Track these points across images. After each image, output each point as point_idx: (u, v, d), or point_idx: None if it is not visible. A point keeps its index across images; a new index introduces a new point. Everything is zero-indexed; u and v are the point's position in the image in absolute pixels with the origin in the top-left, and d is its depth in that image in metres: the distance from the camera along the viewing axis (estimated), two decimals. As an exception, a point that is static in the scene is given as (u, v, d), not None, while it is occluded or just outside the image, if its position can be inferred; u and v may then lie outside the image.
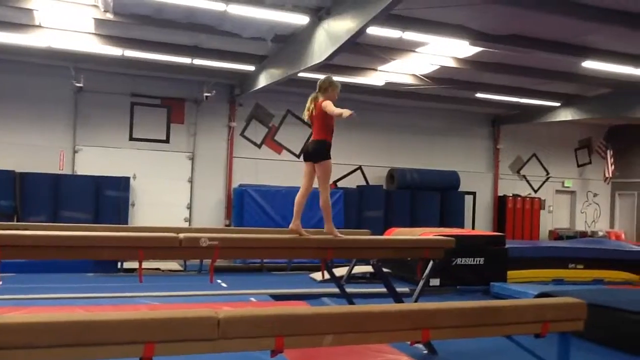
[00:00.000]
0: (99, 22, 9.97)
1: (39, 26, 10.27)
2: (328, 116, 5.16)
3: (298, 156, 14.86)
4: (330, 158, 5.27)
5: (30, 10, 9.40)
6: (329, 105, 5.11)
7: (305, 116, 5.44)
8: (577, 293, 6.59)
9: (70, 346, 3.03)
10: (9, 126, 12.62)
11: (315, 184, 5.41)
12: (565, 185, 18.67)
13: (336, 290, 7.12)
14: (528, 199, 17.56)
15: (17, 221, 11.69)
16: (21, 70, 12.56)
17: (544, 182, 18.34)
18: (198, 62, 11.80)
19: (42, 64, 12.44)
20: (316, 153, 5.25)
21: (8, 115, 12.62)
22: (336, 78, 13.39)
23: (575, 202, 18.93)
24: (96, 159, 13.17)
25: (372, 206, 14.72)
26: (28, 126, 12.77)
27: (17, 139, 12.63)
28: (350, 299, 6.69)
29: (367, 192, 14.95)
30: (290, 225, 5.26)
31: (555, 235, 17.91)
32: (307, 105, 5.37)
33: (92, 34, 10.61)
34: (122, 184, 12.84)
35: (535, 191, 18.19)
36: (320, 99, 5.25)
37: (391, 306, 4.34)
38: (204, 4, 8.55)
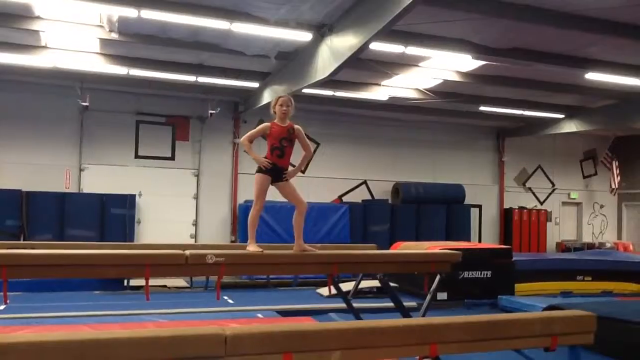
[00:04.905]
0: (104, 42, 10.08)
1: (45, 47, 10.39)
2: (266, 135, 5.09)
3: (303, 172, 14.87)
4: (256, 173, 5.04)
5: (36, 32, 9.52)
6: (251, 130, 5.14)
7: None
8: (586, 305, 6.54)
9: (78, 365, 3.01)
10: (15, 146, 12.71)
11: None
12: (572, 196, 18.61)
13: (343, 305, 7.08)
14: (534, 211, 17.49)
15: (23, 240, 11.72)
16: (27, 90, 12.68)
17: (549, 194, 18.29)
18: (202, 79, 11.89)
19: (48, 83, 12.56)
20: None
21: (14, 134, 12.71)
22: (340, 93, 13.56)
23: (582, 213, 18.85)
24: (102, 177, 13.23)
25: (377, 220, 14.69)
26: (34, 145, 12.86)
27: (23, 158, 12.72)
28: (357, 314, 6.64)
29: (373, 207, 14.93)
30: (294, 248, 5.20)
31: (562, 247, 17.82)
32: None
33: (98, 53, 10.74)
34: (128, 202, 12.87)
35: (541, 203, 18.12)
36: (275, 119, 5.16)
37: (398, 321, 4.31)
38: (208, 22, 8.64)
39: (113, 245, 5.72)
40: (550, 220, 17.86)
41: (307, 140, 5.30)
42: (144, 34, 9.51)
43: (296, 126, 5.14)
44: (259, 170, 5.03)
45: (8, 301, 4.42)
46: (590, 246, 17.71)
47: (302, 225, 5.21)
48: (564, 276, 11.20)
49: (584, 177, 18.80)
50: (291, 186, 5.17)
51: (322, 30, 9.01)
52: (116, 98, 13.36)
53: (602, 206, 18.99)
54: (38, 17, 8.93)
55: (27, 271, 4.41)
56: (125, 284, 11.08)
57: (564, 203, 18.58)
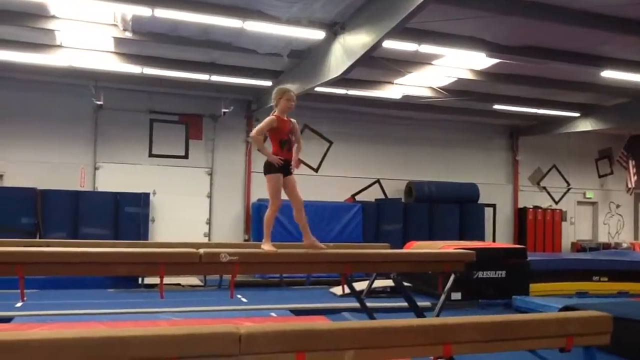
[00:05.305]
0: (118, 41, 10.14)
1: (60, 46, 10.48)
2: (271, 130, 4.93)
3: (316, 170, 14.90)
4: (270, 173, 4.94)
5: (51, 31, 9.60)
6: (259, 125, 4.94)
7: None
8: (602, 306, 6.47)
9: (93, 363, 3.03)
10: (30, 144, 12.84)
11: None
12: (587, 196, 18.43)
13: (356, 304, 7.07)
14: (549, 210, 17.35)
15: (39, 238, 11.83)
16: (43, 89, 12.79)
17: (564, 194, 18.12)
18: (215, 78, 11.92)
19: (63, 82, 12.66)
20: (263, 167, 5.05)
21: (30, 133, 12.83)
22: (353, 92, 13.51)
23: (598, 213, 18.66)
24: (116, 176, 13.32)
25: (390, 219, 14.66)
26: (49, 144, 12.97)
27: (38, 156, 12.84)
28: (371, 313, 6.62)
29: (386, 206, 14.90)
30: (305, 243, 5.13)
31: (577, 247, 17.66)
32: None
33: (112, 52, 10.81)
34: (142, 200, 12.93)
35: (556, 203, 17.97)
36: (276, 112, 5.02)
37: (412, 321, 4.28)
38: (221, 21, 8.66)
39: (127, 244, 5.75)
40: (566, 220, 17.70)
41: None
42: (157, 32, 9.56)
43: (292, 119, 5.11)
44: (271, 170, 4.98)
45: (25, 299, 4.46)
46: (606, 246, 17.52)
47: (306, 219, 5.15)
48: (580, 276, 11.10)
49: (600, 176, 18.60)
50: (295, 179, 5.13)
51: (334, 28, 9.00)
52: (130, 97, 13.44)
53: (618, 206, 18.78)
54: (53, 17, 9.01)
55: (42, 269, 4.44)
56: (140, 282, 11.15)
57: (579, 202, 18.41)
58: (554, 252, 16.69)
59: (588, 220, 18.69)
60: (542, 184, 17.92)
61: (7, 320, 7.32)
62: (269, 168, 4.98)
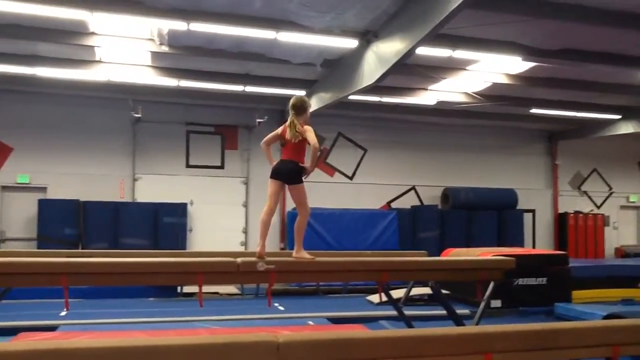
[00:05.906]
0: (155, 55, 10.37)
1: (100, 61, 10.77)
2: (304, 140, 4.98)
3: (351, 178, 14.89)
4: (301, 182, 5.01)
5: (91, 47, 9.88)
6: (312, 135, 4.96)
7: (289, 135, 5.06)
8: (648, 314, 6.27)
9: (136, 371, 3.09)
10: (72, 157, 13.19)
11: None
12: (630, 200, 17.90)
13: (394, 312, 7.02)
14: (590, 215, 16.91)
15: (81, 248, 12.13)
16: (83, 103, 13.15)
17: (607, 198, 17.64)
18: (250, 89, 12.06)
19: (103, 97, 12.99)
20: (290, 173, 5.01)
21: (72, 146, 13.19)
22: (387, 99, 13.46)
23: (642, 217, 18.11)
24: (155, 187, 13.57)
25: (426, 226, 14.52)
26: (90, 157, 13.30)
27: (80, 169, 13.18)
28: (409, 321, 6.57)
29: (422, 213, 14.76)
30: (257, 249, 4.89)
31: (621, 252, 17.14)
32: (291, 129, 5.04)
33: (149, 66, 11.04)
34: (179, 210, 13.16)
35: (598, 207, 17.50)
36: (300, 120, 5.06)
37: (452, 329, 4.24)
38: (255, 32, 8.77)
39: (167, 254, 5.85)
40: (608, 225, 17.22)
41: None
42: (192, 45, 9.73)
43: None
44: (301, 179, 5.03)
45: (69, 307, 4.57)
46: (652, 252, 16.98)
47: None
48: (624, 283, 10.77)
49: (644, 179, 18.07)
50: None
51: (367, 36, 9.00)
52: (167, 109, 13.69)
53: (663, 210, 18.21)
54: (93, 33, 9.27)
55: (87, 279, 4.58)
56: (179, 291, 11.30)
57: (622, 207, 17.89)
58: (597, 258, 16.25)
59: (632, 225, 18.13)
60: (583, 188, 17.50)
61: (53, 328, 7.51)
62: (299, 177, 5.02)
